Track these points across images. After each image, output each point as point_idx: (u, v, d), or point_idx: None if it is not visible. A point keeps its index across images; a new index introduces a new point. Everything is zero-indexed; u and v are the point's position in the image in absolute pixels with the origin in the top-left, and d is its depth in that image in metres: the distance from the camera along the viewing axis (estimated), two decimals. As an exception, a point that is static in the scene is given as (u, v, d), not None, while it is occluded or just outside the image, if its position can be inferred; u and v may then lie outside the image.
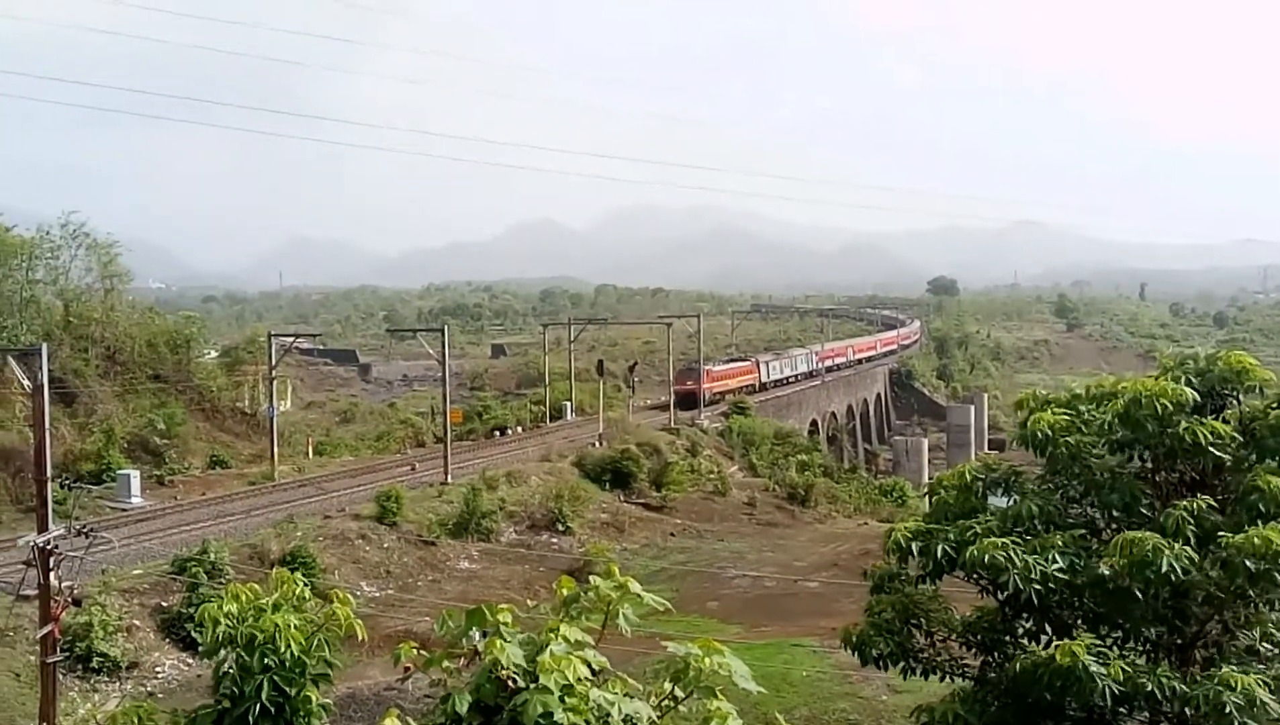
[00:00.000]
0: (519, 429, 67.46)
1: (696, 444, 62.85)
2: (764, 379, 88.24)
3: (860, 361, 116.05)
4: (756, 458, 66.04)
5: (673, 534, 49.50)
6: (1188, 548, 11.03)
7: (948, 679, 13.67)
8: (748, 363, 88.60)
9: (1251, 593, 11.39)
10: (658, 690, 5.70)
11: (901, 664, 13.61)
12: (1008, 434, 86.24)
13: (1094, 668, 10.68)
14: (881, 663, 13.77)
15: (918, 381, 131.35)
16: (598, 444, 58.05)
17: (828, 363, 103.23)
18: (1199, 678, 10.97)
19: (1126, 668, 10.90)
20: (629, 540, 47.53)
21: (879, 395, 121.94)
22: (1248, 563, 10.69)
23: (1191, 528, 11.45)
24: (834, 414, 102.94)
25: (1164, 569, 10.76)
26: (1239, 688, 10.29)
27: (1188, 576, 10.97)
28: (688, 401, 72.69)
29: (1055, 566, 11.49)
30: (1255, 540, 10.72)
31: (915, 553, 13.22)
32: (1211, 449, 11.97)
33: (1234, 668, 10.99)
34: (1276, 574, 10.73)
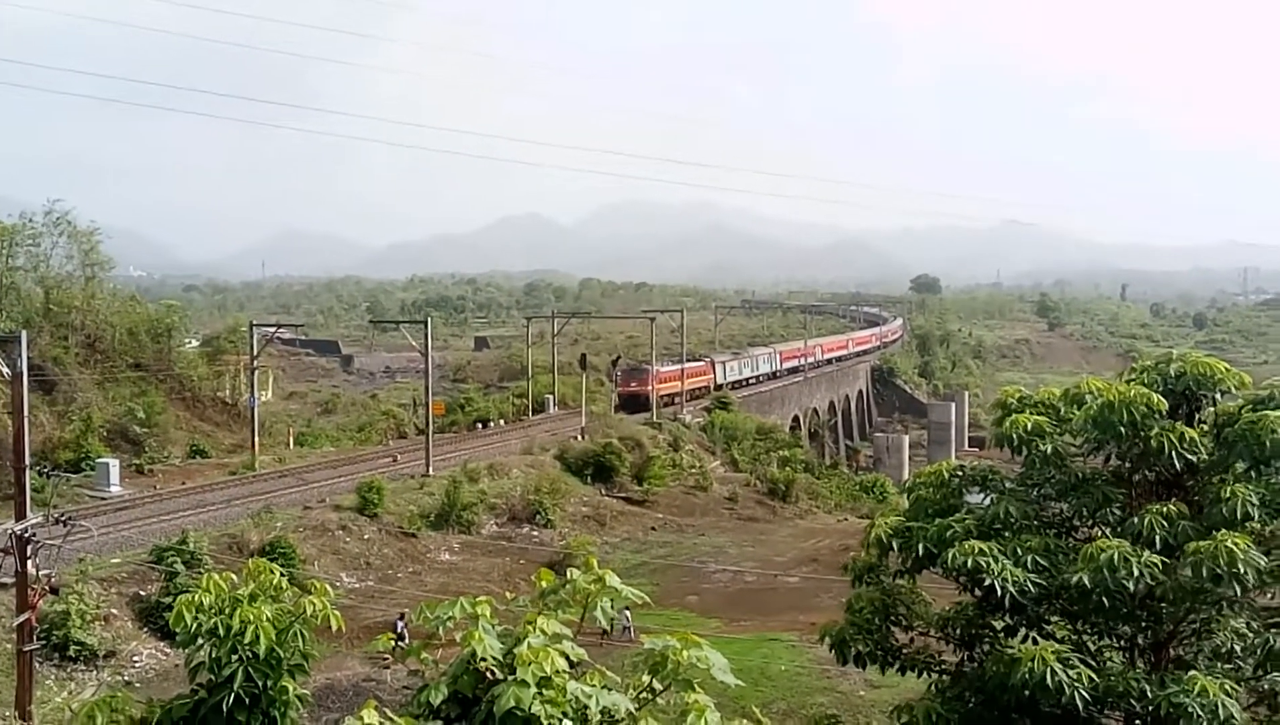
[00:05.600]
0: (501, 422, 67.39)
1: (678, 439, 62.92)
2: (720, 380, 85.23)
3: (830, 361, 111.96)
4: (738, 453, 66.17)
5: (654, 528, 49.58)
6: (1156, 556, 11.19)
7: (925, 674, 13.77)
8: (701, 363, 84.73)
9: (1218, 597, 11.55)
10: (636, 683, 5.73)
11: (880, 661, 13.71)
12: (987, 432, 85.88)
13: (1062, 675, 10.79)
14: (860, 661, 13.86)
15: (899, 378, 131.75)
16: (580, 437, 58.03)
17: (791, 363, 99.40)
18: (1168, 680, 11.08)
19: (1094, 675, 11.02)
20: (610, 534, 47.59)
21: (861, 392, 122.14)
22: (1216, 570, 10.83)
23: (1164, 531, 11.58)
24: (816, 410, 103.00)
25: (1136, 574, 10.91)
26: (1197, 690, 10.42)
27: (1155, 583, 11.12)
28: (632, 404, 70.91)
29: (1031, 576, 11.67)
30: (1217, 548, 10.87)
31: (895, 548, 13.34)
32: (1182, 453, 12.11)
33: (1201, 670, 11.14)
34: (1238, 581, 10.87)
